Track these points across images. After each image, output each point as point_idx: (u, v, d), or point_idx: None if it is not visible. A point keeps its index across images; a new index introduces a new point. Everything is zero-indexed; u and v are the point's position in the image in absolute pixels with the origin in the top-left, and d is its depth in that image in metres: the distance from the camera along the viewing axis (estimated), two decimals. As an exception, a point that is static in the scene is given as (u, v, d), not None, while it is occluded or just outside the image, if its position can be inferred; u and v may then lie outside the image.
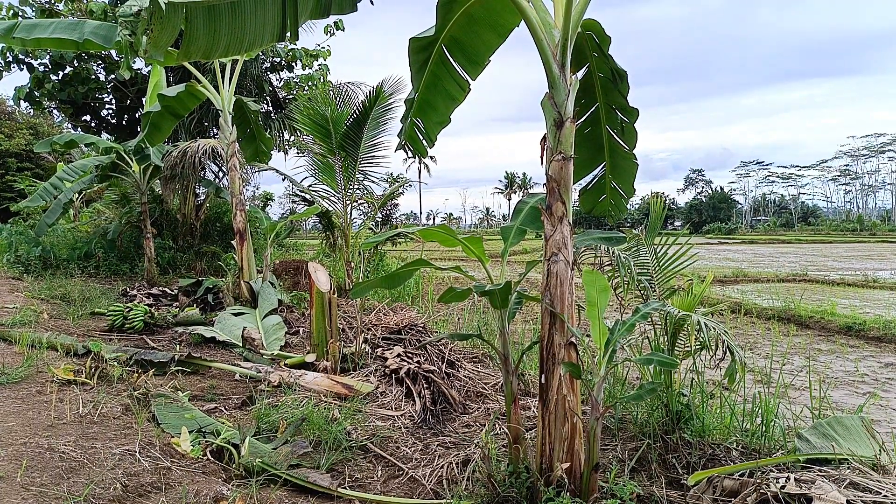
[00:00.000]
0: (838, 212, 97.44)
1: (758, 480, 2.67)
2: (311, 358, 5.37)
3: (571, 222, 2.86)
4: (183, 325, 7.12)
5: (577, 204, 3.87)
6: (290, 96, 15.25)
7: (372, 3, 4.38)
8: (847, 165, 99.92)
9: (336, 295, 5.54)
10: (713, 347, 3.05)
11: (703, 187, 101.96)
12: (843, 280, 15.49)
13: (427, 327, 6.42)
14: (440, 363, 5.02)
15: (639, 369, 4.28)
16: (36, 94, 13.08)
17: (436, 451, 3.75)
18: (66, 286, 9.33)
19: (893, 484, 2.59)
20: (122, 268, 11.91)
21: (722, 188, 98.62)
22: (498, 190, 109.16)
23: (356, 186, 8.84)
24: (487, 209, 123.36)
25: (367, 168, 8.84)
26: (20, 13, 12.40)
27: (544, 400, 2.86)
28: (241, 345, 6.31)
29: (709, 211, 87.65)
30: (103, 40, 5.40)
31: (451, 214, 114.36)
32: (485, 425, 4.04)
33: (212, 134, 13.67)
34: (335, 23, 14.42)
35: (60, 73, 13.18)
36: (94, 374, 4.36)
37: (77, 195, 13.66)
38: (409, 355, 5.15)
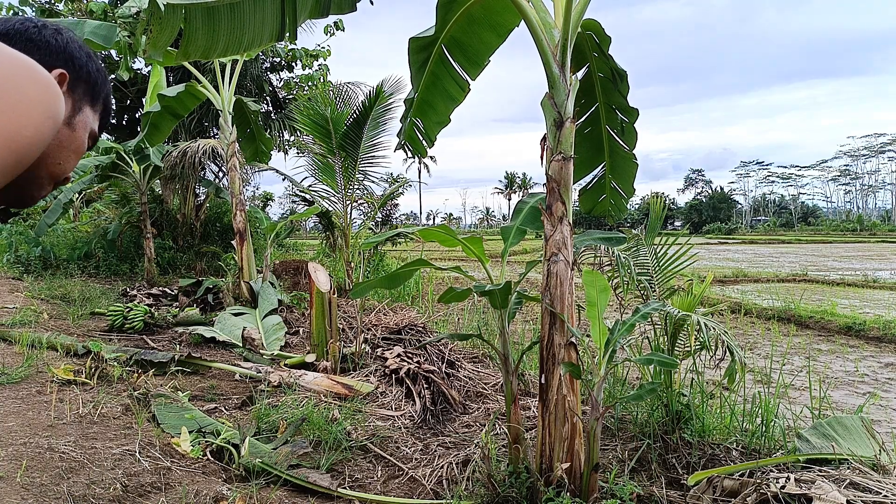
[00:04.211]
0: (838, 212, 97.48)
1: (758, 480, 2.67)
2: (311, 358, 5.37)
3: (571, 222, 2.86)
4: (183, 325, 7.12)
5: (577, 204, 3.87)
6: (290, 96, 15.25)
7: (372, 3, 4.39)
8: (847, 165, 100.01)
9: (336, 295, 5.54)
10: (713, 347, 3.05)
11: (703, 187, 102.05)
12: (843, 280, 15.49)
13: (427, 327, 6.42)
14: (440, 363, 5.02)
15: (639, 369, 4.28)
16: (36, 94, 13.05)
17: (436, 451, 3.74)
18: (66, 286, 9.33)
19: (893, 484, 2.59)
20: (122, 268, 11.91)
21: (722, 188, 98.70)
22: (498, 190, 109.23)
23: (356, 186, 8.85)
24: (487, 209, 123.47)
25: (367, 168, 8.85)
26: (20, 13, 12.41)
27: (544, 400, 2.86)
28: (241, 345, 6.31)
29: (709, 211, 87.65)
30: (103, 40, 5.39)
31: (451, 214, 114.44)
32: (485, 425, 4.04)
33: (212, 134, 13.67)
34: (335, 23, 14.40)
35: (60, 74, 13.16)
36: (94, 374, 4.36)
37: (77, 195, 13.66)
38: (409, 355, 5.15)
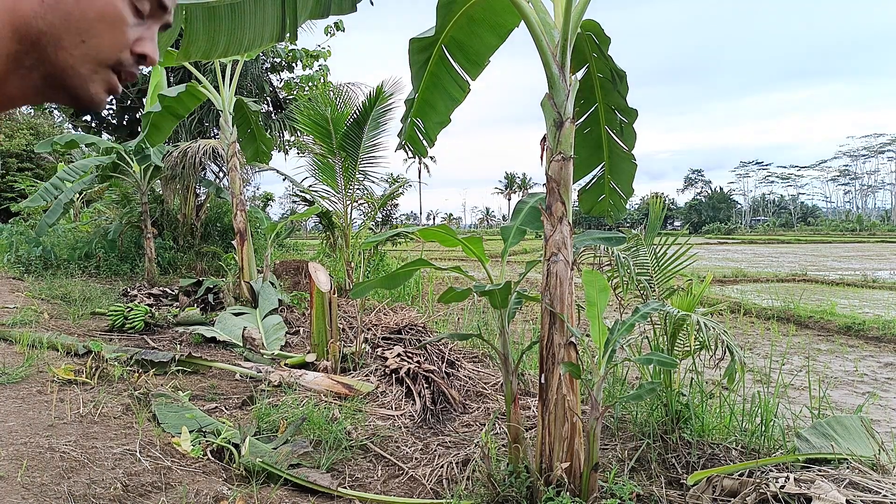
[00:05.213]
0: (838, 212, 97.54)
1: (757, 480, 2.68)
2: (311, 358, 5.37)
3: (571, 222, 2.87)
4: (183, 324, 7.13)
5: (577, 204, 3.87)
6: (291, 97, 15.26)
7: (372, 3, 4.38)
8: (846, 166, 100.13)
9: (336, 295, 5.54)
10: (713, 347, 3.05)
11: (702, 187, 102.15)
12: (842, 280, 15.49)
13: (427, 327, 6.43)
14: (440, 363, 5.02)
15: (638, 369, 4.29)
16: (36, 94, 13.06)
17: (436, 450, 3.75)
18: (67, 286, 9.34)
19: (893, 484, 2.60)
20: (122, 268, 11.92)
21: (721, 188, 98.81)
22: (498, 190, 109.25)
23: (356, 186, 8.85)
24: (487, 209, 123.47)
25: (367, 168, 8.85)
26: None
27: (544, 400, 2.87)
28: (241, 345, 6.32)
29: (708, 211, 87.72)
30: (104, 41, 5.40)
31: (451, 214, 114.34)
32: (485, 425, 4.04)
33: (212, 134, 13.69)
34: (335, 23, 14.42)
35: (61, 74, 13.17)
36: (95, 373, 4.37)
37: (78, 195, 13.69)
38: (409, 355, 5.16)
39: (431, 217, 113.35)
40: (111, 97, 0.66)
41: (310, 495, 3.07)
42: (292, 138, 14.42)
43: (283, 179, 9.92)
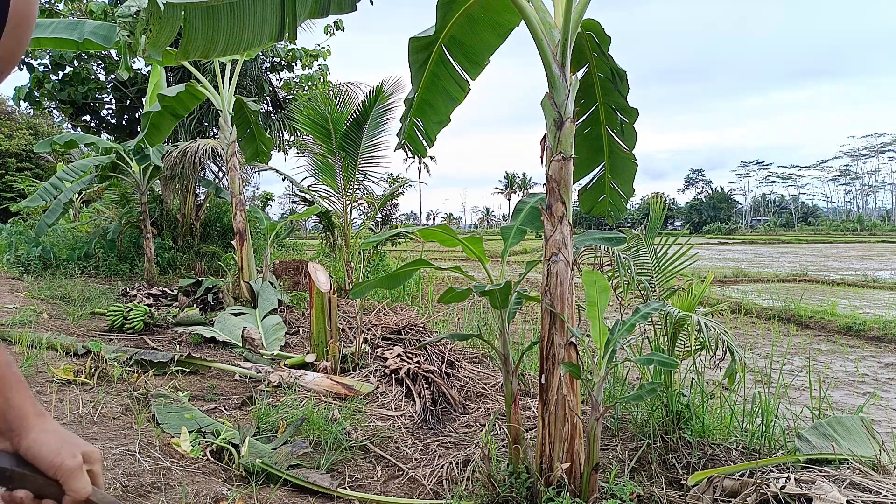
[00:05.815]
0: (838, 212, 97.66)
1: (758, 480, 2.67)
2: (311, 358, 5.36)
3: (571, 222, 2.86)
4: (183, 325, 7.12)
5: (577, 204, 3.86)
6: (290, 96, 15.26)
7: (372, 3, 4.37)
8: (847, 165, 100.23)
9: (336, 295, 5.53)
10: (713, 347, 3.04)
11: (703, 187, 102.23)
12: (843, 280, 15.49)
13: (427, 327, 6.42)
14: (440, 363, 5.02)
15: (639, 369, 4.28)
16: (36, 94, 13.08)
17: (436, 451, 3.74)
18: (66, 286, 9.33)
19: (893, 484, 2.59)
20: (121, 268, 11.91)
21: (722, 188, 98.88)
22: (498, 190, 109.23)
23: (356, 186, 8.85)
24: (487, 209, 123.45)
25: (367, 168, 8.85)
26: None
27: (544, 400, 2.86)
28: (241, 345, 6.31)
29: (709, 211, 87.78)
30: (103, 40, 5.40)
31: (451, 214, 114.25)
32: (485, 425, 4.04)
33: (212, 134, 13.67)
34: (335, 23, 14.42)
35: (60, 74, 13.19)
36: (94, 374, 4.36)
37: (77, 195, 13.66)
38: (409, 355, 5.15)
39: (431, 217, 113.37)
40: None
41: (309, 496, 3.07)
42: (292, 138, 14.41)
43: (283, 179, 9.92)
